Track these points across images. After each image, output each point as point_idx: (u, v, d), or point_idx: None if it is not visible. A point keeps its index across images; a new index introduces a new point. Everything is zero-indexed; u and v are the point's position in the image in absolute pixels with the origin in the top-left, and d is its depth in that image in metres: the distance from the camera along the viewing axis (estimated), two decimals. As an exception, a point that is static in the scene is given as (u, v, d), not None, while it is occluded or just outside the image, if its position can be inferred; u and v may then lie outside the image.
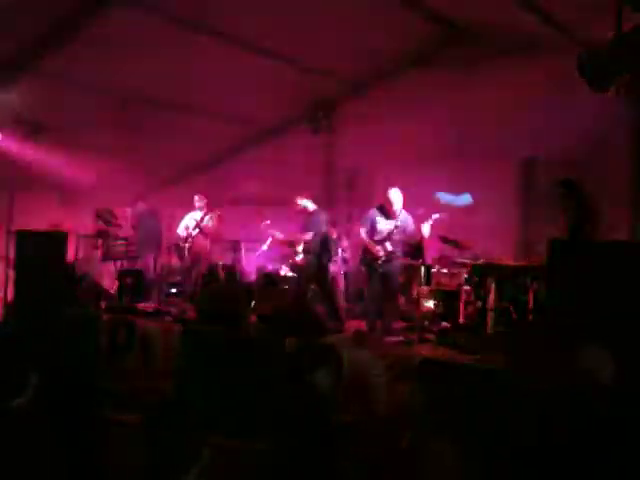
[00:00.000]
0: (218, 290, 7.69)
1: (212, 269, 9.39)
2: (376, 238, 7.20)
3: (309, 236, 7.83)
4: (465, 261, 7.53)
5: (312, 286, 7.95)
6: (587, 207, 6.12)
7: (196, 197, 9.33)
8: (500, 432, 4.23)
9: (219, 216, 9.12)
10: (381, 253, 7.08)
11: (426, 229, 6.95)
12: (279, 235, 8.36)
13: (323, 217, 8.06)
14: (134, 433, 4.99)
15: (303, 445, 3.40)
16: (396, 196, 7.13)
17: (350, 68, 9.77)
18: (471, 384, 4.68)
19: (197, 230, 8.92)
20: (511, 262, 7.28)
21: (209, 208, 9.17)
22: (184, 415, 2.29)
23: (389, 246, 7.11)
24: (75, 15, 7.41)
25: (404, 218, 7.19)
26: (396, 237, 7.11)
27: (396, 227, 7.10)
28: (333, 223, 9.95)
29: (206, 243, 9.02)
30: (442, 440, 4.15)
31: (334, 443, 3.74)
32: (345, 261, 9.39)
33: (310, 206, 8.02)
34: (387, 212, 7.19)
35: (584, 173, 7.78)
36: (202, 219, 9.01)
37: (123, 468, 3.89)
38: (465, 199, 9.23)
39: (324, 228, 8.01)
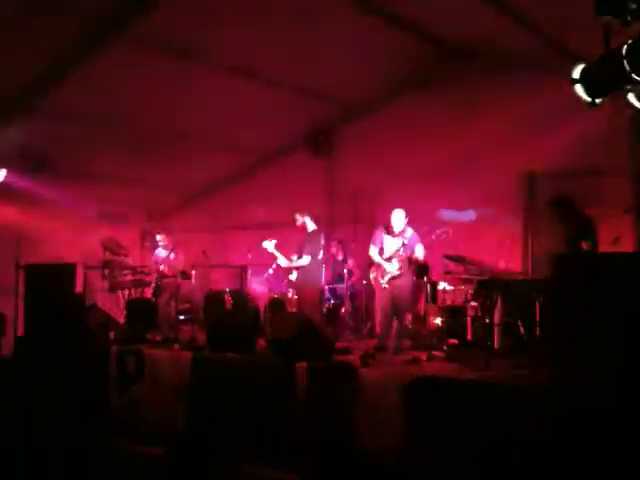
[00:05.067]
0: (228, 316, 7.71)
1: (214, 296, 9.40)
2: (384, 256, 7.26)
3: (306, 261, 7.74)
4: (470, 277, 7.55)
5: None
6: (581, 222, 6.18)
7: (158, 236, 9.52)
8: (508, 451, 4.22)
9: (180, 251, 9.23)
10: (392, 270, 7.11)
11: (420, 251, 7.02)
12: (280, 259, 8.16)
13: (321, 241, 8.04)
14: (150, 463, 5.00)
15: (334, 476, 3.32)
16: (398, 216, 7.20)
17: (349, 91, 9.90)
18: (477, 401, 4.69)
19: (164, 267, 9.08)
20: (517, 277, 7.29)
21: (173, 245, 9.32)
22: (203, 445, 2.31)
23: (396, 264, 7.15)
24: (77, 49, 7.56)
25: (410, 236, 7.24)
26: (403, 255, 7.15)
27: (403, 245, 7.16)
28: (339, 244, 10.02)
29: (175, 279, 8.96)
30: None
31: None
32: (351, 281, 9.43)
33: (310, 225, 7.94)
34: (393, 230, 7.25)
35: (586, 185, 7.85)
36: (168, 256, 9.11)
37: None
38: (468, 215, 9.29)
39: (320, 253, 7.96)
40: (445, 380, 4.17)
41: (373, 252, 7.36)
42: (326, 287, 8.33)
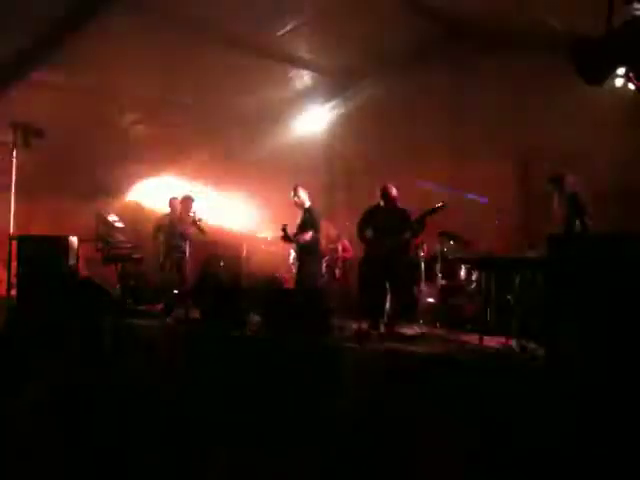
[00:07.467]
0: (220, 288, 7.71)
1: (208, 273, 9.40)
2: (376, 235, 7.22)
3: (309, 236, 7.71)
4: (465, 256, 7.55)
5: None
6: (577, 201, 6.16)
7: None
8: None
9: None
10: (383, 250, 7.09)
11: (413, 228, 6.99)
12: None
13: (319, 214, 7.98)
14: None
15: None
16: (392, 193, 7.17)
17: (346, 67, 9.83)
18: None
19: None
20: (511, 256, 7.29)
21: None
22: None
23: (389, 242, 7.12)
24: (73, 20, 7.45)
25: (402, 214, 7.21)
26: (395, 233, 7.12)
27: (395, 223, 7.12)
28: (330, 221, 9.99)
29: None
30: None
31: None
32: (345, 260, 9.42)
33: (307, 201, 7.89)
34: (385, 209, 7.21)
35: (578, 169, 7.83)
36: None
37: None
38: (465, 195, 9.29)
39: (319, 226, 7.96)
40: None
41: (363, 233, 7.32)
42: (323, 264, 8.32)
